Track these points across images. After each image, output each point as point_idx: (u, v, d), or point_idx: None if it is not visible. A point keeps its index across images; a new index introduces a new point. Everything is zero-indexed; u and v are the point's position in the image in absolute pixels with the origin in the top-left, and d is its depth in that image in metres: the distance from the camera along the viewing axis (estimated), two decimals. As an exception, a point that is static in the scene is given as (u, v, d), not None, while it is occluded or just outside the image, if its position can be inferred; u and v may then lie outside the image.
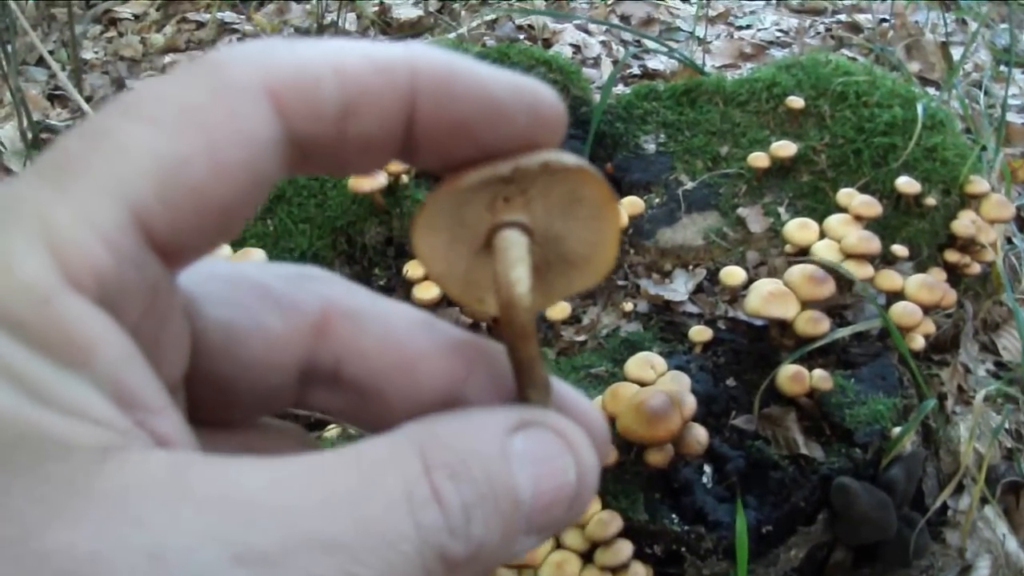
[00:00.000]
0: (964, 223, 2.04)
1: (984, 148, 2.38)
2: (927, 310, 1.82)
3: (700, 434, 1.58)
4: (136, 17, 4.17)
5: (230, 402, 0.48)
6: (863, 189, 2.07)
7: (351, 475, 0.38)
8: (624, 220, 2.00)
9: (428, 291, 1.92)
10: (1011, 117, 2.88)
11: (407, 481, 0.38)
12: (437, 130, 0.44)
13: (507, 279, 0.45)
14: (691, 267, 2.06)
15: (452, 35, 3.31)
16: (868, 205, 1.94)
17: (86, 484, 0.34)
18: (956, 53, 3.32)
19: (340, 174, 0.46)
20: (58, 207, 0.37)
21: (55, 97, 3.63)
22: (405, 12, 3.78)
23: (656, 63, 3.35)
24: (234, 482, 0.36)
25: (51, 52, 3.86)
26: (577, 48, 3.47)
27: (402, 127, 0.43)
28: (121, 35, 4.04)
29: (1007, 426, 1.94)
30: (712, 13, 3.75)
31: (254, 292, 0.48)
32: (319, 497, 0.36)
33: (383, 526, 0.37)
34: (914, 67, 3.32)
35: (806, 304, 1.73)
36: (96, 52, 3.94)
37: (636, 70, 3.36)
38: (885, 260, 1.97)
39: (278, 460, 0.37)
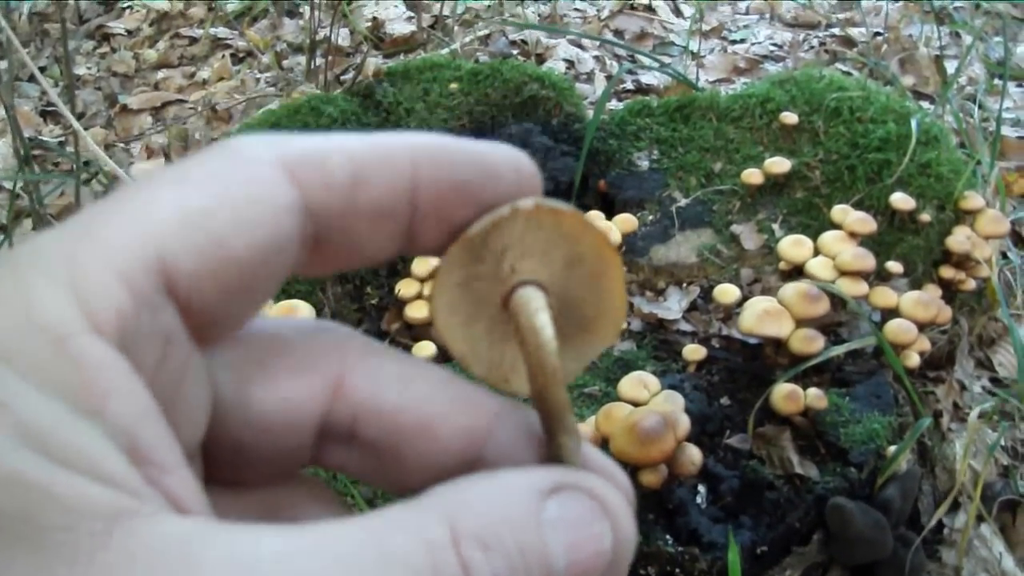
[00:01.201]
0: (959, 239, 2.03)
1: (979, 162, 2.37)
2: (922, 327, 1.81)
3: (694, 454, 1.57)
4: (129, 33, 4.17)
5: (243, 464, 0.47)
6: (857, 205, 2.06)
7: (372, 546, 0.36)
8: (618, 238, 1.99)
9: (421, 310, 1.91)
10: (1006, 131, 2.88)
11: (434, 553, 0.36)
12: (439, 193, 0.45)
13: (532, 326, 0.45)
14: (685, 285, 2.05)
15: (445, 51, 3.30)
16: (862, 222, 1.93)
17: (91, 555, 0.32)
18: (950, 67, 3.32)
19: (355, 261, 0.46)
20: (82, 249, 0.37)
21: (48, 113, 3.63)
22: (398, 28, 3.78)
23: (650, 78, 3.35)
24: (248, 554, 0.34)
25: (44, 68, 3.86)
26: (571, 63, 3.47)
27: (408, 194, 0.44)
28: (114, 51, 4.04)
29: (1003, 443, 1.93)
30: (706, 27, 3.75)
31: (268, 350, 0.47)
32: (338, 571, 0.35)
33: None
34: (908, 81, 3.31)
35: (800, 322, 1.73)
36: (89, 68, 3.94)
37: (630, 85, 3.36)
38: (880, 277, 1.96)
39: (295, 529, 0.36)
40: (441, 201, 0.45)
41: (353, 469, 0.49)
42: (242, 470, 0.47)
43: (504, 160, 0.46)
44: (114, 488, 0.34)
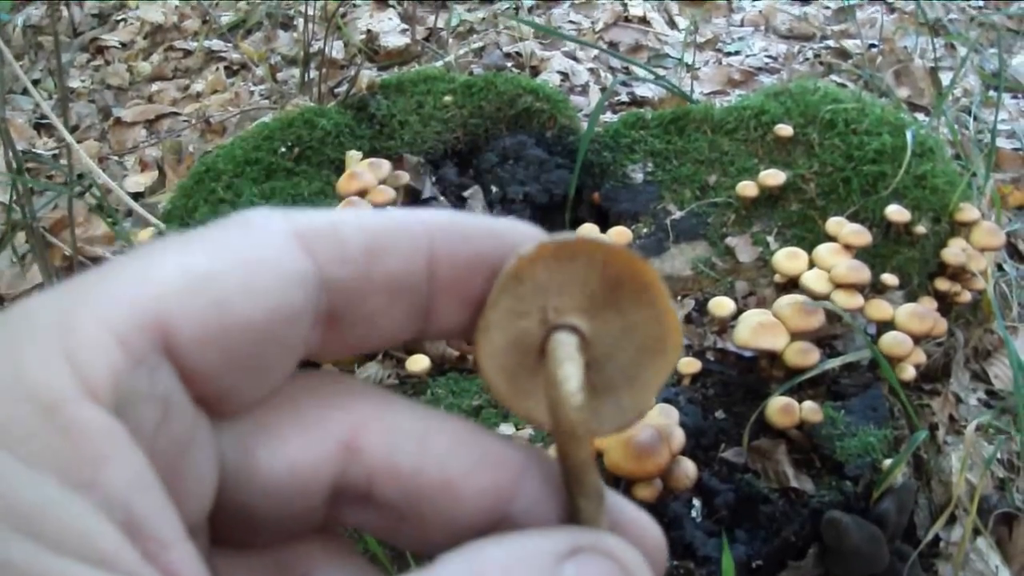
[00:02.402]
0: (954, 251, 2.03)
1: (974, 174, 2.37)
2: (918, 340, 1.81)
3: (688, 468, 1.56)
4: (123, 45, 4.16)
5: (252, 528, 0.44)
6: (852, 218, 2.06)
7: None
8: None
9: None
10: (1000, 142, 2.88)
11: None
12: (458, 265, 0.44)
13: (555, 377, 0.42)
14: (679, 298, 2.04)
15: (439, 63, 3.30)
16: (858, 234, 1.93)
17: None
18: (945, 79, 3.32)
19: (372, 341, 0.45)
20: (75, 309, 0.35)
21: (42, 126, 3.62)
22: (392, 40, 3.77)
23: (645, 90, 3.35)
24: None
25: (38, 81, 3.85)
26: (565, 75, 3.47)
27: (425, 268, 0.43)
28: (108, 63, 4.03)
29: (999, 456, 1.93)
30: (701, 39, 3.75)
31: (273, 409, 0.44)
32: None
33: None
34: (903, 93, 3.31)
35: (795, 335, 1.72)
36: (83, 81, 3.93)
37: (624, 97, 3.35)
38: (875, 289, 1.95)
39: None
40: (460, 273, 0.44)
41: (371, 528, 0.46)
42: (250, 533, 0.44)
43: (523, 233, 0.45)
44: (108, 571, 0.32)
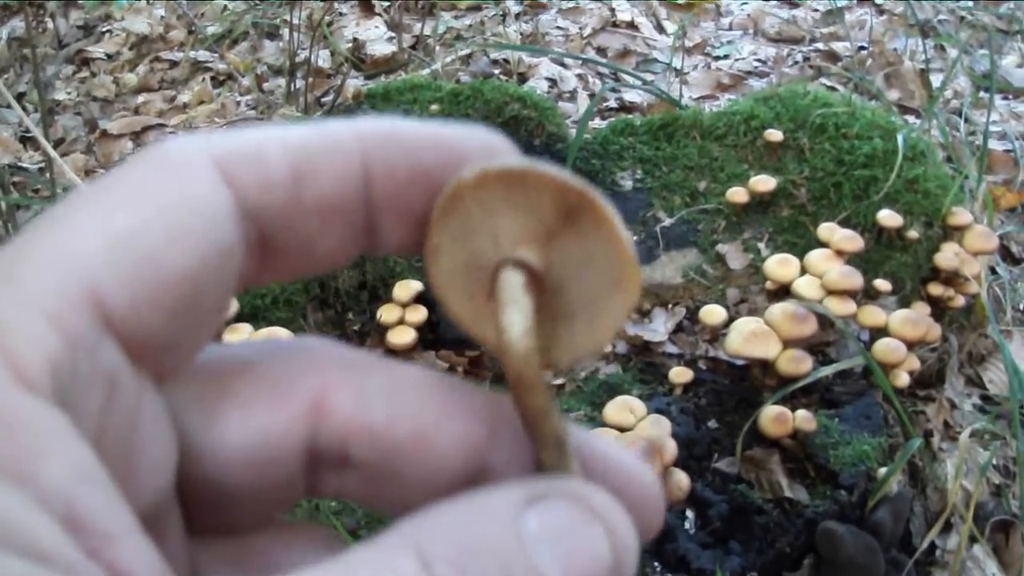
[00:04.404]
0: (947, 256, 2.02)
1: (966, 177, 2.36)
2: (911, 346, 1.80)
3: (681, 479, 1.55)
4: (109, 57, 4.14)
5: (230, 507, 0.42)
6: (844, 223, 2.04)
7: None
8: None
9: (402, 336, 1.89)
10: (992, 144, 2.86)
11: None
12: (396, 182, 0.41)
13: (498, 324, 0.40)
14: (670, 306, 2.03)
15: (426, 71, 3.28)
16: (850, 240, 1.92)
17: None
18: (935, 80, 3.31)
19: (311, 266, 0.42)
20: (1, 294, 0.33)
21: (28, 139, 3.60)
22: (379, 48, 3.76)
23: (634, 96, 3.34)
24: None
25: (24, 93, 3.84)
26: (553, 82, 3.45)
27: (360, 187, 0.40)
28: (94, 75, 4.01)
29: (995, 462, 1.91)
30: (689, 44, 3.74)
31: (236, 378, 0.42)
32: None
33: None
34: (893, 95, 3.30)
35: (788, 343, 1.71)
36: (69, 93, 3.91)
37: (613, 103, 3.34)
38: (868, 295, 1.94)
39: None
40: (399, 191, 0.41)
41: (352, 494, 0.44)
42: (230, 513, 0.43)
43: (472, 141, 0.42)
44: (45, 565, 0.30)
